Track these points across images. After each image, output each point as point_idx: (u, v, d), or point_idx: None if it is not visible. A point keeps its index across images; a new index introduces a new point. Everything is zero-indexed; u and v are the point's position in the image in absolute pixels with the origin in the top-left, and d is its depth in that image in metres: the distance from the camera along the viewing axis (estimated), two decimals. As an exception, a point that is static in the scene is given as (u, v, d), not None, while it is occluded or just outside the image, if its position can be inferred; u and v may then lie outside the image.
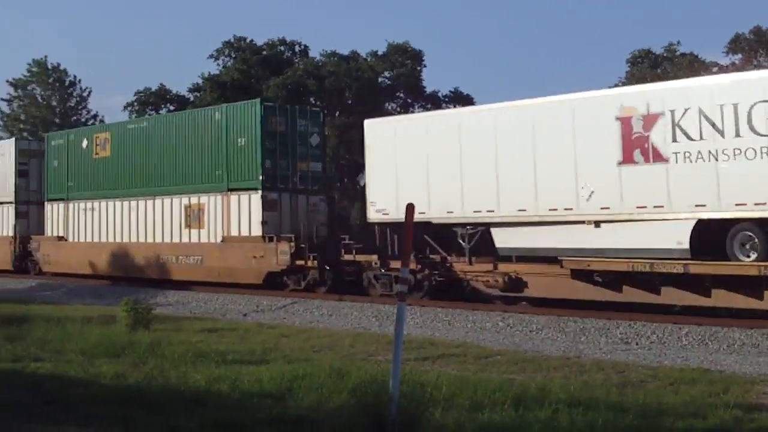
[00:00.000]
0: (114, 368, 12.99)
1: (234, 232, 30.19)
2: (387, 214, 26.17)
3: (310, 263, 28.03)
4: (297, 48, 63.98)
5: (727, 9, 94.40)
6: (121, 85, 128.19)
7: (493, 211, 23.67)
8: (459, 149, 24.47)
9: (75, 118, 68.78)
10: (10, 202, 41.97)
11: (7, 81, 70.62)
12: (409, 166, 25.66)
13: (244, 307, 26.77)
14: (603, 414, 9.57)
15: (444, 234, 25.33)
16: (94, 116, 69.81)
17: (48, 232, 39.26)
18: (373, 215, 26.77)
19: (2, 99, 71.40)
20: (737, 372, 14.18)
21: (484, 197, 23.86)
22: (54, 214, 38.86)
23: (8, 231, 41.90)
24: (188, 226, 31.88)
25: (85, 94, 71.32)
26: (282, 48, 63.49)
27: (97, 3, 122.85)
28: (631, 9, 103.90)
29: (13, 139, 43.83)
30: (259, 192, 29.48)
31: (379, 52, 60.88)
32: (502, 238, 23.89)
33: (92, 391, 11.05)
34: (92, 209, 36.56)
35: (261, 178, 29.46)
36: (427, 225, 24.66)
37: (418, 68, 60.40)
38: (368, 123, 27.69)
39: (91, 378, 12.32)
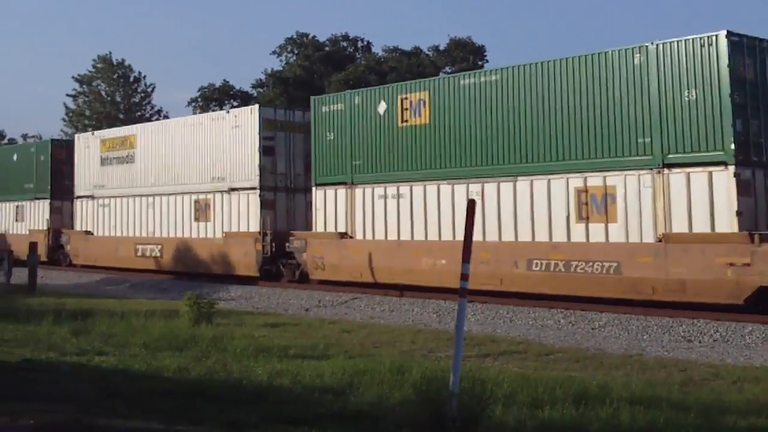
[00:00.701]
0: (177, 362, 13.11)
1: (678, 228, 20.85)
2: None
3: None
4: (360, 44, 64.37)
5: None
6: (185, 81, 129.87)
7: None
8: None
9: (139, 113, 69.73)
10: (253, 189, 31.95)
11: (73, 77, 71.88)
12: None
13: (306, 302, 26.86)
14: (665, 412, 9.50)
15: None
16: (158, 111, 70.81)
17: (319, 226, 29.61)
18: None
19: (68, 95, 72.77)
20: (803, 371, 14.00)
21: None
22: (327, 203, 29.36)
23: (250, 225, 32.05)
24: (584, 217, 22.53)
25: (149, 89, 72.31)
26: (344, 44, 63.90)
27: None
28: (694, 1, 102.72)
29: (256, 106, 33.63)
30: (729, 168, 20.12)
31: (441, 47, 60.98)
32: None
33: (155, 385, 11.16)
34: (397, 196, 27.09)
35: (732, 147, 20.10)
36: None
37: (480, 63, 60.35)
38: None
39: (154, 371, 12.45)
